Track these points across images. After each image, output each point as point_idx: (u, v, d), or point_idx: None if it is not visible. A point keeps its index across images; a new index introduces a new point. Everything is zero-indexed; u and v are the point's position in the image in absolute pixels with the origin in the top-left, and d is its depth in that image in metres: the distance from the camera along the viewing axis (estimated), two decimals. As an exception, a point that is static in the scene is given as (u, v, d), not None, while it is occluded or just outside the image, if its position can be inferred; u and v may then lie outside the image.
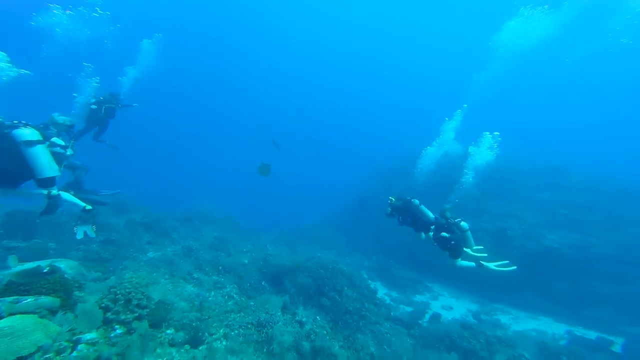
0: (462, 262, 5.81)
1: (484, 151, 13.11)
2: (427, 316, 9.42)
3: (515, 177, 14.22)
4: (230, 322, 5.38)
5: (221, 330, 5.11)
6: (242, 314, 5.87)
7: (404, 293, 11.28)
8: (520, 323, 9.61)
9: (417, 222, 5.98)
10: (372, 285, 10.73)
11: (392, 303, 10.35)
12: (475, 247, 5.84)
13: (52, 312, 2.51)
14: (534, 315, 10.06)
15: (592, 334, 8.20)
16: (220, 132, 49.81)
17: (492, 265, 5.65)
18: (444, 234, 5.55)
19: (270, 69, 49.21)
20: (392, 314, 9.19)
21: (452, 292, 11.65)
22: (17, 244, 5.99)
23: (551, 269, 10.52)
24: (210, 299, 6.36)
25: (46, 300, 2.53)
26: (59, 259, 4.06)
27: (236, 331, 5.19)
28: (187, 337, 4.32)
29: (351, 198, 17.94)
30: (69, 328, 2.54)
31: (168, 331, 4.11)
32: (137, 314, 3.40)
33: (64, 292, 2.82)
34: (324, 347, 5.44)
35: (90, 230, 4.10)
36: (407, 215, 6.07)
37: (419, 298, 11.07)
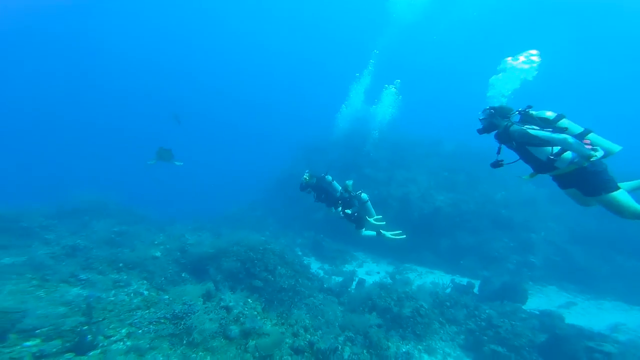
0: (366, 232, 6.33)
1: (386, 108, 14.71)
2: (354, 283, 9.99)
3: (410, 148, 16.24)
4: (136, 320, 4.35)
5: (123, 330, 4.06)
6: (152, 309, 4.85)
7: (334, 264, 11.71)
8: (422, 278, 11.06)
9: (329, 198, 6.13)
10: (305, 261, 10.74)
11: (325, 275, 10.60)
12: (375, 217, 6.36)
13: None
14: (431, 270, 11.67)
15: (464, 280, 10.01)
16: (107, 108, 42.03)
17: (388, 234, 6.28)
18: (347, 210, 5.88)
19: (186, 51, 43.96)
20: (325, 285, 9.39)
21: (374, 257, 12.74)
22: None
23: (439, 227, 12.29)
24: (109, 299, 5.02)
25: None
26: None
27: (145, 329, 4.22)
28: (67, 344, 3.21)
29: (276, 179, 17.45)
30: None
31: (28, 343, 2.92)
32: None
33: None
34: (255, 328, 5.03)
35: None
36: (321, 192, 6.17)
37: (347, 267, 11.67)
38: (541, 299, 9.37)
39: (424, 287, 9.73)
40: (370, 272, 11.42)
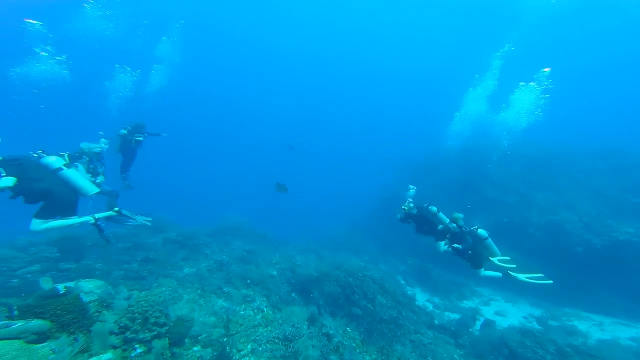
0: (487, 272, 5.36)
1: (519, 113, 11.85)
2: (477, 324, 8.54)
3: (564, 164, 12.59)
4: (258, 337, 5.32)
5: (249, 346, 5.06)
6: (269, 327, 5.80)
7: (447, 299, 10.39)
8: (607, 330, 8.10)
9: (434, 231, 5.51)
10: (409, 292, 10.09)
11: (434, 310, 9.58)
12: (500, 257, 5.19)
13: (44, 336, 2.62)
14: (627, 322, 8.40)
15: None
16: (241, 143, 51.30)
17: (522, 276, 5.09)
18: (456, 245, 5.06)
19: (286, 79, 50.10)
20: (435, 321, 8.49)
21: (507, 295, 10.43)
22: (69, 265, 6.63)
23: (633, 265, 8.87)
24: (240, 312, 6.40)
25: (34, 324, 2.62)
26: (86, 280, 4.36)
27: (263, 346, 5.11)
28: (215, 353, 4.32)
29: (378, 201, 17.30)
30: (79, 349, 2.64)
31: (195, 348, 4.14)
32: (156, 332, 3.47)
33: (78, 313, 2.96)
34: (354, 361, 5.13)
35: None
36: (424, 224, 5.63)
37: (466, 304, 10.09)
38: None
39: (618, 344, 7.15)
40: (503, 312, 9.46)
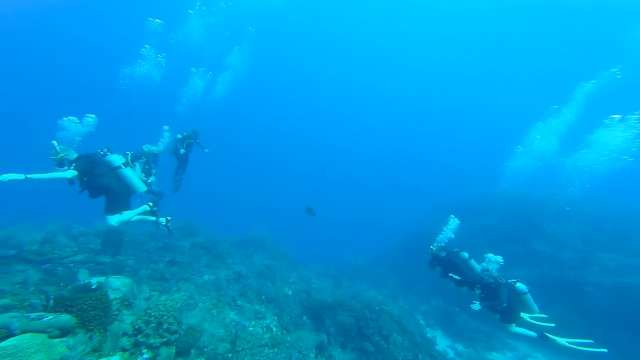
0: (518, 329, 4.78)
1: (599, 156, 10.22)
2: None
3: (633, 225, 11.10)
4: (263, 358, 5.28)
5: (251, 365, 5.04)
6: (275, 350, 5.73)
7: (473, 347, 9.39)
8: None
9: (463, 277, 5.11)
10: (429, 334, 9.31)
11: (456, 358, 8.71)
12: (536, 315, 4.61)
13: (67, 331, 2.86)
14: None
15: None
16: (281, 160, 52.54)
17: (563, 340, 4.45)
18: (485, 301, 4.61)
19: (334, 103, 51.27)
20: (454, 373, 7.68)
21: (549, 354, 9.12)
22: (105, 259, 7.33)
23: None
24: (249, 329, 6.44)
25: (61, 319, 2.85)
26: (116, 276, 4.77)
27: (267, 368, 5.05)
28: (217, 367, 4.38)
29: (406, 235, 16.56)
30: (91, 348, 2.86)
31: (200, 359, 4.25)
32: (165, 339, 3.63)
33: (101, 310, 3.23)
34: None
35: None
36: (451, 269, 5.26)
37: (495, 356, 9.02)
38: None
39: None
40: None
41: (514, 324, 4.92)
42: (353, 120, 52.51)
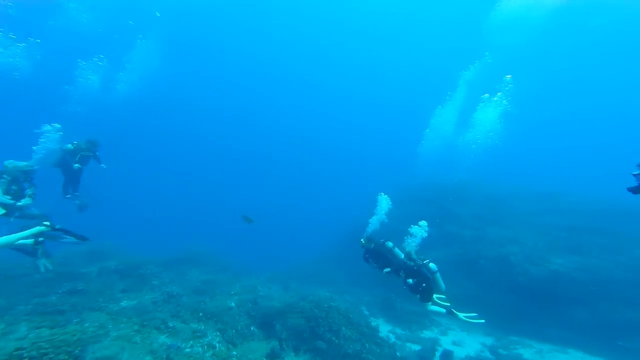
0: (433, 307, 5.48)
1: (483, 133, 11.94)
2: (437, 354, 8.47)
3: (511, 203, 14.01)
4: (204, 378, 4.59)
5: (191, 389, 4.32)
6: (219, 366, 5.07)
7: (409, 329, 10.22)
8: (545, 358, 8.54)
9: (390, 266, 5.59)
10: (373, 323, 9.72)
11: (397, 341, 9.29)
12: (439, 296, 5.51)
13: None
14: (561, 348, 8.97)
15: None
16: (205, 167, 47.29)
17: (461, 315, 5.37)
18: (409, 280, 5.19)
19: (252, 102, 49.19)
20: (397, 354, 8.16)
21: (462, 324, 10.55)
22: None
23: (563, 295, 9.75)
24: (186, 350, 5.55)
25: None
26: None
27: (210, 389, 4.39)
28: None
29: (348, 231, 17.26)
30: None
31: None
32: None
33: None
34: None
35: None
36: (380, 259, 5.71)
37: (426, 334, 9.99)
38: None
39: None
40: (460, 342, 9.49)
41: (430, 302, 5.52)
42: (275, 119, 51.21)
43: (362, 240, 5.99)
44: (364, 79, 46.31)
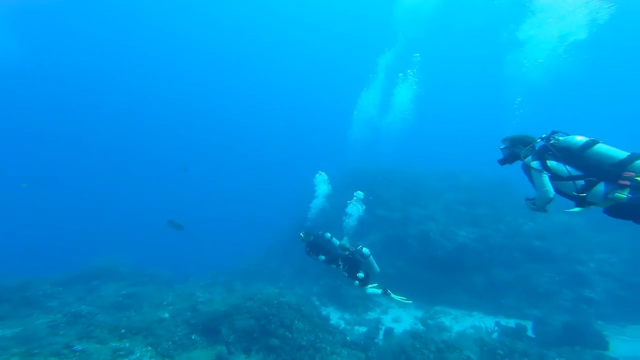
0: (371, 290, 5.75)
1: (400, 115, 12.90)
2: (380, 333, 8.92)
3: (423, 182, 15.64)
4: (134, 400, 3.66)
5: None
6: (153, 383, 4.14)
7: (356, 313, 10.56)
8: (460, 322, 9.72)
9: (329, 256, 5.70)
10: (324, 312, 9.70)
11: (346, 326, 9.48)
12: (372, 284, 5.83)
13: None
14: (469, 312, 10.33)
15: (512, 322, 8.76)
16: (120, 164, 41.22)
17: (395, 296, 5.80)
18: (343, 271, 5.44)
19: (173, 95, 44.76)
20: (348, 338, 8.29)
21: (398, 303, 11.40)
22: None
23: (468, 264, 11.22)
24: (104, 375, 4.38)
25: None
26: None
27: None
28: None
29: (292, 224, 16.92)
30: None
31: None
32: None
33: None
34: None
35: None
36: (320, 251, 5.76)
37: (370, 315, 10.48)
38: (628, 343, 7.69)
39: (466, 334, 8.64)
40: (398, 318, 10.20)
41: (368, 286, 5.76)
42: (201, 111, 47.82)
43: (301, 234, 5.87)
44: (293, 68, 45.68)
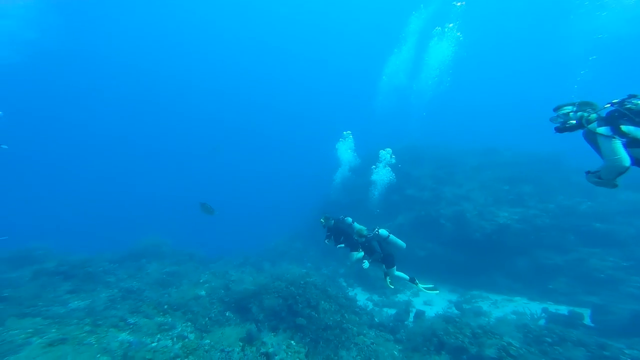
0: (399, 273, 5.57)
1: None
2: (411, 315, 8.85)
3: (458, 161, 14.61)
4: (174, 371, 4.13)
5: (159, 385, 3.85)
6: (191, 357, 4.63)
7: (384, 295, 10.60)
8: (500, 307, 9.33)
9: (350, 241, 5.55)
10: (351, 293, 9.91)
11: (374, 308, 9.59)
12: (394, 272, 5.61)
13: None
14: (509, 297, 9.87)
15: (563, 309, 8.18)
16: (161, 155, 44.43)
17: (421, 285, 5.62)
18: (359, 254, 5.25)
19: (211, 88, 46.22)
20: (375, 320, 8.42)
21: (430, 284, 11.23)
22: None
23: (510, 246, 10.56)
24: (151, 345, 4.98)
25: None
26: None
27: (182, 381, 3.96)
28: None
29: (317, 207, 17.15)
30: None
31: None
32: None
33: None
34: (299, 379, 4.45)
35: None
36: (340, 235, 5.58)
37: (400, 297, 10.45)
38: None
39: (506, 319, 8.18)
40: (430, 302, 10.03)
41: (394, 268, 5.61)
42: (233, 99, 48.32)
43: (321, 219, 5.82)
44: (315, 39, 43.28)
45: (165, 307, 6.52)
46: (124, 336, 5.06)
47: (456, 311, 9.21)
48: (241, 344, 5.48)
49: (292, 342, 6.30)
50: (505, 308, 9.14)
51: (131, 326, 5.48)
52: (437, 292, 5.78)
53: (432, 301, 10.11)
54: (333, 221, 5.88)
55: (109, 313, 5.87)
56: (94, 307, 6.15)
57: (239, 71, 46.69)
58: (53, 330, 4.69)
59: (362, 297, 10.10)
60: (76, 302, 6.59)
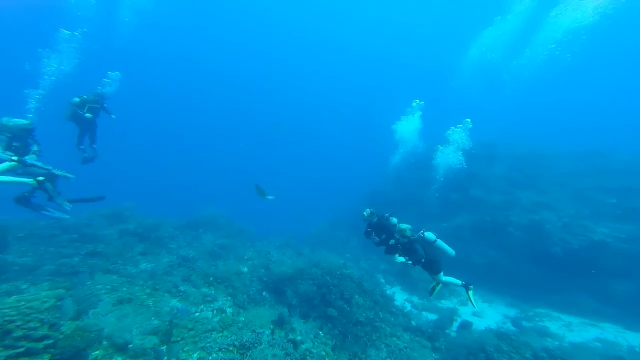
0: (447, 278, 5.07)
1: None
2: (455, 325, 8.17)
3: (545, 164, 12.58)
4: (208, 345, 4.54)
5: (195, 355, 4.28)
6: (225, 332, 5.02)
7: (426, 298, 9.95)
8: (576, 331, 8.01)
9: (389, 240, 5.15)
10: (389, 291, 9.55)
11: (413, 310, 9.12)
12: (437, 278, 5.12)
13: None
14: (593, 322, 8.40)
15: None
16: (223, 135, 48.92)
17: (471, 293, 5.12)
18: (400, 258, 4.83)
19: (268, 70, 48.39)
20: (412, 323, 7.99)
21: (483, 294, 10.12)
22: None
23: (605, 266, 8.90)
24: (195, 314, 5.59)
25: None
26: None
27: (214, 355, 4.33)
28: (146, 365, 3.53)
29: (364, 196, 16.68)
30: None
31: (119, 358, 3.30)
32: (23, 348, 2.60)
33: None
34: (321, 374, 4.47)
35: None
36: (382, 232, 5.20)
37: (444, 303, 9.71)
38: None
39: (587, 347, 7.02)
40: (480, 313, 9.11)
41: (442, 273, 5.10)
42: (295, 88, 50.07)
43: (364, 212, 5.48)
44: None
45: (211, 279, 7.21)
46: (174, 302, 5.77)
47: (512, 328, 8.23)
48: (272, 326, 5.75)
49: (321, 332, 6.39)
50: (584, 333, 7.88)
51: (181, 294, 6.21)
52: (478, 309, 5.36)
53: (483, 313, 9.16)
54: (377, 218, 5.56)
55: (166, 279, 6.74)
56: (155, 271, 7.13)
57: (308, 65, 47.94)
58: (124, 289, 5.60)
59: (400, 297, 9.69)
60: (144, 264, 7.73)
